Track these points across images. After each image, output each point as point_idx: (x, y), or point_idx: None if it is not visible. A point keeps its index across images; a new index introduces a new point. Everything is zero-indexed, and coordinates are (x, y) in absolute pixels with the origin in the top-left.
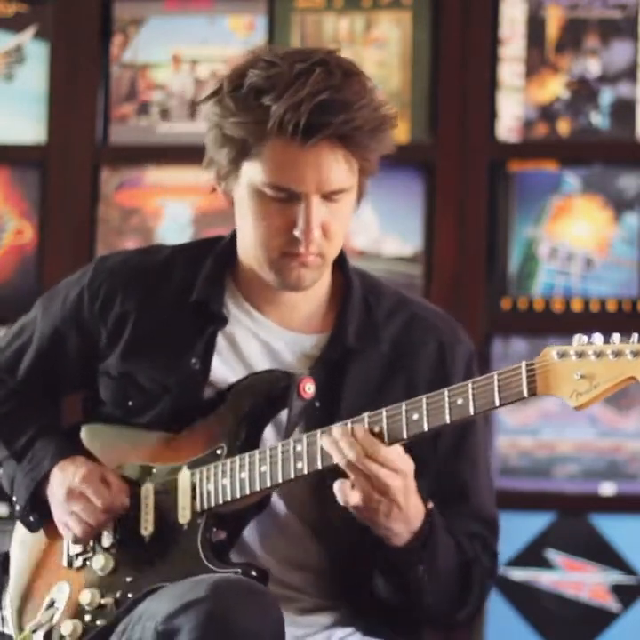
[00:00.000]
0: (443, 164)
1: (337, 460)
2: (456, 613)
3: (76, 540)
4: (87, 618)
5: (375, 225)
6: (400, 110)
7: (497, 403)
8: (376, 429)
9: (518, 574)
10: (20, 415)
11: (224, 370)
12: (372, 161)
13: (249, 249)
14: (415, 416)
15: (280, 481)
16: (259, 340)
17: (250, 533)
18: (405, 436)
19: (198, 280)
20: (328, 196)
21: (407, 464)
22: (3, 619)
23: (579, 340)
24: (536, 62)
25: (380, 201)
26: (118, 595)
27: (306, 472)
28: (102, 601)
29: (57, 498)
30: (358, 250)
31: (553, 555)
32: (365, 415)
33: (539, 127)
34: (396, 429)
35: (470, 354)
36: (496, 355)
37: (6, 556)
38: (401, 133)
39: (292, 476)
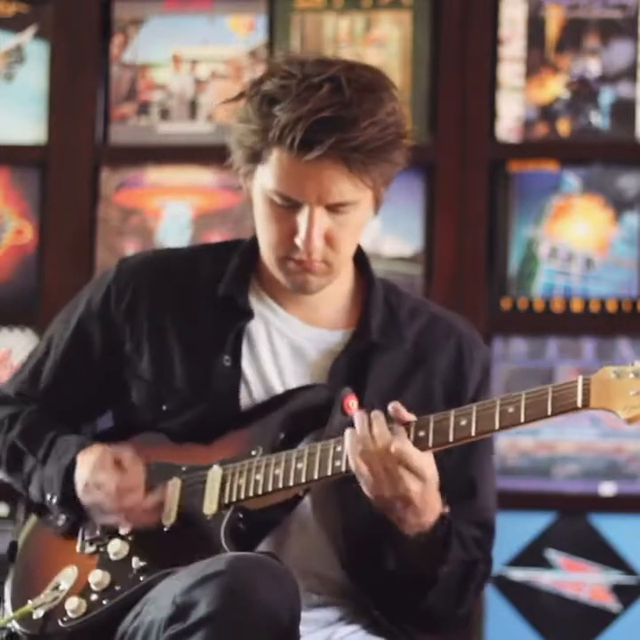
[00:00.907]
0: (443, 164)
1: (351, 457)
2: (453, 613)
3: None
4: (93, 597)
5: (375, 225)
6: None
7: (549, 412)
8: (421, 434)
9: (518, 574)
10: (40, 427)
11: (253, 368)
12: (376, 179)
13: (262, 249)
14: (463, 422)
15: (316, 477)
16: (283, 336)
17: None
18: (451, 440)
19: (225, 276)
20: (332, 208)
21: (430, 471)
22: (5, 611)
23: (635, 365)
24: (536, 62)
25: None
26: (130, 576)
27: (344, 470)
28: (111, 583)
29: (82, 480)
30: None
31: (553, 555)
32: (413, 420)
33: (539, 127)
34: (443, 431)
35: (488, 359)
36: (496, 355)
37: (14, 545)
38: None
39: (329, 472)
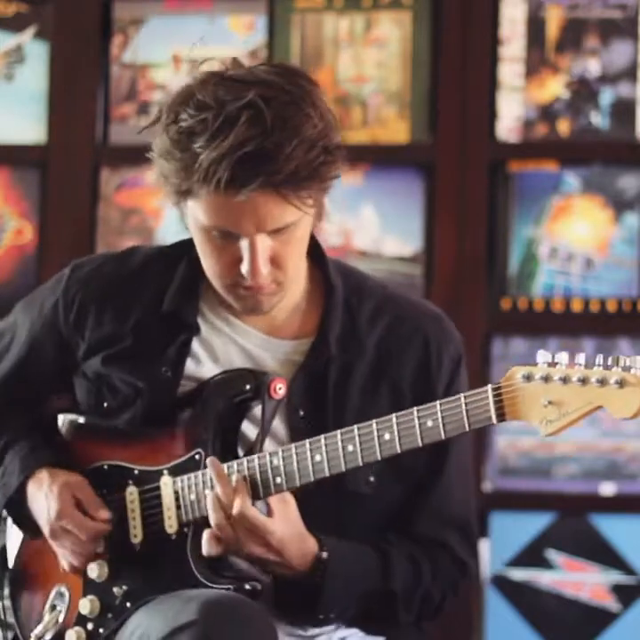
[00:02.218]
0: (443, 164)
1: (211, 512)
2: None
3: (74, 571)
4: (90, 626)
5: (375, 225)
6: (400, 110)
7: (467, 427)
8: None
9: (518, 574)
10: None
11: (202, 377)
12: (313, 197)
13: (206, 273)
14: (387, 436)
15: (260, 497)
16: (238, 347)
17: None
18: (379, 457)
19: (170, 289)
20: (273, 232)
21: (274, 537)
22: (3, 608)
23: (543, 357)
24: (536, 62)
25: (380, 201)
26: (117, 603)
27: (285, 488)
28: (102, 610)
29: (42, 517)
30: (358, 250)
31: (553, 555)
32: (323, 436)
33: (539, 127)
34: (370, 451)
35: (458, 353)
36: (496, 355)
37: (3, 549)
38: (401, 133)
39: (273, 491)
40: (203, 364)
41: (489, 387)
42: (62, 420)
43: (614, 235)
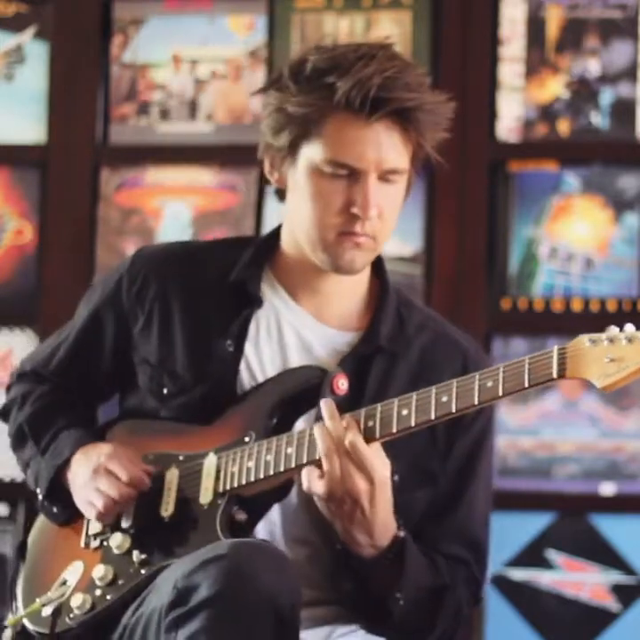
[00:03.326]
0: (443, 164)
1: (319, 444)
2: (424, 636)
3: (100, 516)
4: (97, 592)
5: None
6: None
7: (526, 384)
8: (404, 412)
9: (518, 574)
10: (49, 414)
11: (257, 354)
12: (426, 144)
13: (303, 232)
14: (444, 398)
15: (305, 461)
16: (292, 329)
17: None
18: (433, 417)
19: (239, 264)
20: (384, 177)
21: (381, 471)
22: (17, 609)
23: (611, 329)
24: (536, 62)
25: None
26: (131, 570)
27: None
28: (115, 577)
29: (80, 479)
30: None
31: (553, 555)
32: (379, 404)
33: (539, 127)
34: (424, 408)
35: None
36: (496, 355)
37: (24, 544)
38: None
39: (317, 456)
40: (259, 342)
41: (555, 347)
42: (113, 427)
43: (614, 235)
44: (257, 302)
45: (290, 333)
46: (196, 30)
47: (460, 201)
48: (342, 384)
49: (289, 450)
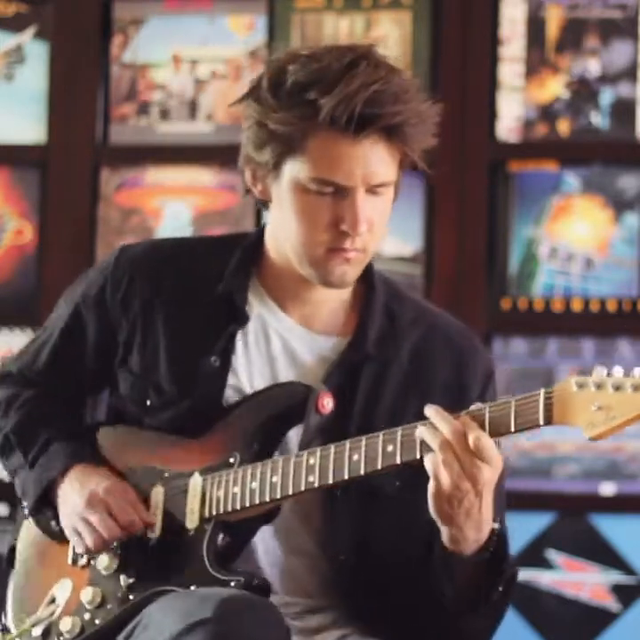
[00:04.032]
0: (443, 165)
1: (431, 439)
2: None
3: (86, 551)
4: (86, 616)
5: None
6: None
7: (512, 428)
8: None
9: (518, 574)
10: (38, 419)
11: (246, 367)
12: (413, 154)
13: (290, 247)
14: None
15: (290, 493)
16: (279, 338)
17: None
18: (418, 456)
19: (226, 272)
20: (372, 190)
21: (499, 460)
22: (6, 618)
23: (598, 371)
24: (536, 62)
25: None
26: (119, 595)
27: (317, 485)
28: (103, 600)
29: (71, 504)
30: None
31: (553, 555)
32: (486, 405)
33: (539, 127)
34: (410, 450)
35: (490, 368)
36: (496, 355)
37: (13, 549)
38: None
39: (303, 488)
40: (245, 355)
41: (542, 390)
42: (100, 430)
43: (614, 235)
44: (243, 316)
45: (278, 344)
46: (196, 30)
47: (459, 201)
48: (327, 403)
49: (274, 478)
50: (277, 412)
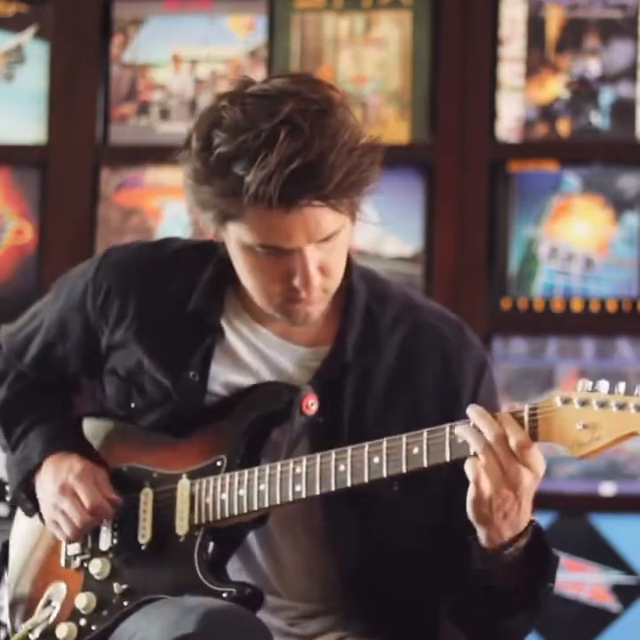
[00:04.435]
0: (443, 164)
1: (473, 442)
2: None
3: (67, 540)
4: (82, 622)
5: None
6: (400, 110)
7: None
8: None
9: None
10: (22, 402)
11: (225, 379)
12: (356, 202)
13: (250, 293)
14: (415, 450)
15: (278, 503)
16: (258, 352)
17: (251, 538)
18: (405, 470)
19: (197, 289)
20: (320, 241)
21: (541, 465)
22: (1, 608)
23: (583, 385)
24: (536, 62)
25: (380, 201)
26: (114, 601)
27: (304, 496)
28: (98, 606)
29: (46, 493)
30: (358, 250)
31: None
32: (526, 406)
33: (539, 127)
34: (396, 463)
35: (481, 359)
36: (496, 355)
37: (6, 545)
38: (401, 133)
39: (291, 498)
40: (226, 368)
41: (526, 406)
42: (86, 422)
43: (614, 235)
44: (217, 332)
45: (258, 357)
46: (196, 30)
47: (459, 201)
48: (311, 404)
49: (262, 486)
50: (262, 413)
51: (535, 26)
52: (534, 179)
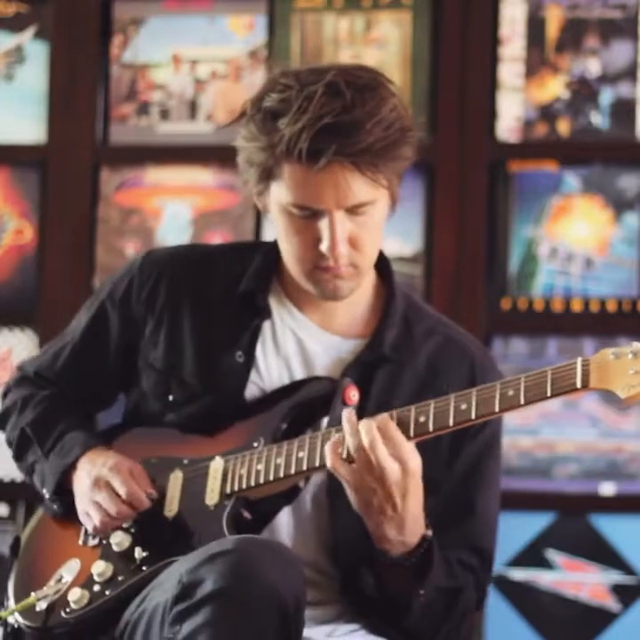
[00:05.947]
0: (443, 164)
1: (348, 440)
2: (430, 636)
3: (95, 530)
4: (96, 588)
5: None
6: None
7: (548, 393)
8: (421, 419)
9: (518, 574)
10: (53, 414)
11: (265, 365)
12: (389, 176)
13: (287, 262)
14: (463, 406)
15: (316, 464)
16: (296, 339)
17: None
18: (451, 424)
19: (247, 273)
20: (352, 210)
21: (413, 462)
22: (8, 606)
23: (634, 345)
24: (536, 62)
25: None
26: (132, 567)
27: (345, 456)
28: (114, 574)
29: (82, 487)
30: None
31: (553, 555)
32: (413, 406)
33: (539, 127)
34: (443, 417)
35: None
36: (496, 355)
37: (17, 540)
38: None
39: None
40: (266, 354)
41: (579, 358)
42: (114, 428)
43: (614, 235)
44: (266, 313)
45: (294, 344)
46: (196, 30)
47: (460, 201)
48: (354, 395)
49: (300, 454)
50: (302, 404)
51: (535, 26)
52: (534, 179)
